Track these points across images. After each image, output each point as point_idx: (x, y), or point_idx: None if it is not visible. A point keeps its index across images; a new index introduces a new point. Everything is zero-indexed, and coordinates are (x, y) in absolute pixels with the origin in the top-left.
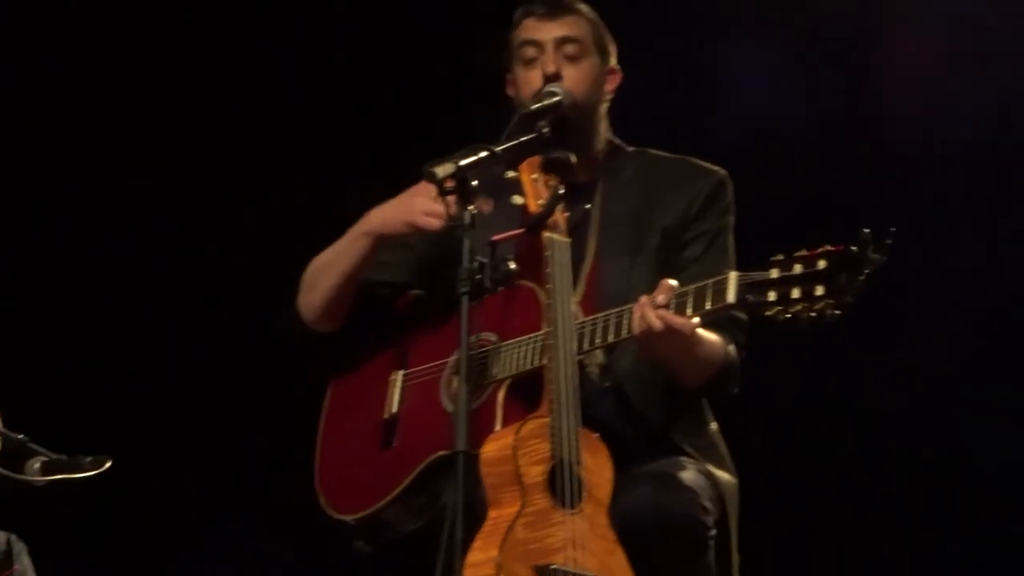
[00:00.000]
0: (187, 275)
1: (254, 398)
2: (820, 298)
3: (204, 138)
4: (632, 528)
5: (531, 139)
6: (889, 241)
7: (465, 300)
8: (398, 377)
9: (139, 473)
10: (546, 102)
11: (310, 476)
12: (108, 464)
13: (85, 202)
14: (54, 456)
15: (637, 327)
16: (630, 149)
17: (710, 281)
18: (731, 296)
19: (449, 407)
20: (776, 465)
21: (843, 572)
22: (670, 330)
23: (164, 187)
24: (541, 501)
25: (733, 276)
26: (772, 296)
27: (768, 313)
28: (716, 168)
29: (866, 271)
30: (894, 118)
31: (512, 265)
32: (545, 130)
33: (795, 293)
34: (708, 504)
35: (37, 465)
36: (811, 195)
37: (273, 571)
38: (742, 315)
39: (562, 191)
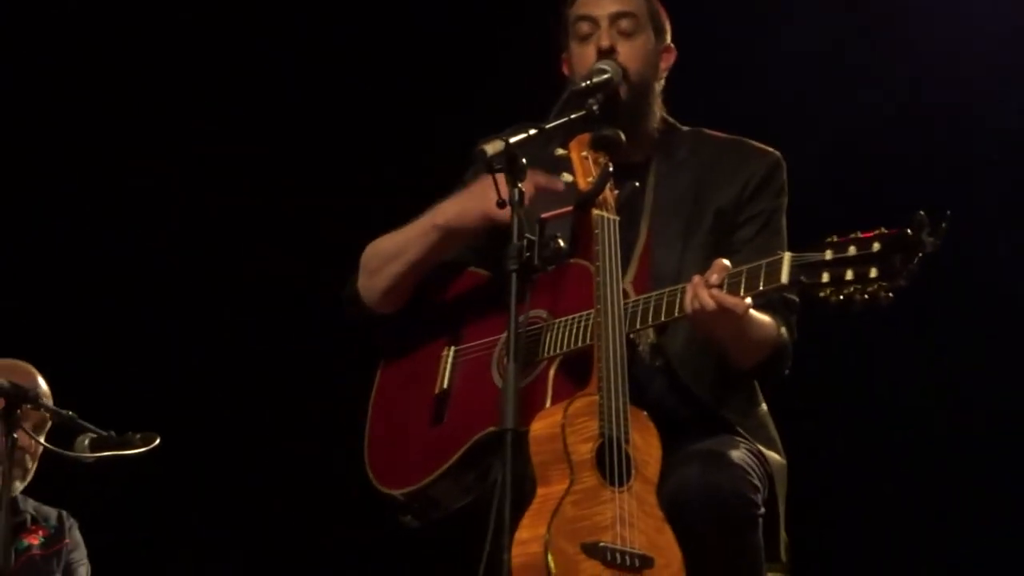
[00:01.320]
0: (187, 274)
1: (254, 397)
2: (873, 280)
3: (204, 138)
4: (681, 505)
5: (580, 116)
6: (945, 225)
7: (514, 277)
8: (450, 353)
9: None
10: (596, 79)
11: (359, 450)
12: (157, 441)
13: (85, 202)
14: (103, 433)
15: (689, 306)
16: (685, 129)
17: (763, 261)
18: (784, 277)
19: (500, 383)
20: (826, 447)
21: (888, 552)
22: (722, 310)
23: (164, 187)
24: (589, 479)
25: (787, 257)
26: (825, 277)
27: (821, 294)
28: (771, 150)
29: (920, 255)
30: (953, 103)
31: (561, 243)
32: (595, 107)
33: (848, 275)
34: (757, 483)
35: (87, 442)
36: (864, 177)
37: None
38: (794, 297)
39: (611, 169)
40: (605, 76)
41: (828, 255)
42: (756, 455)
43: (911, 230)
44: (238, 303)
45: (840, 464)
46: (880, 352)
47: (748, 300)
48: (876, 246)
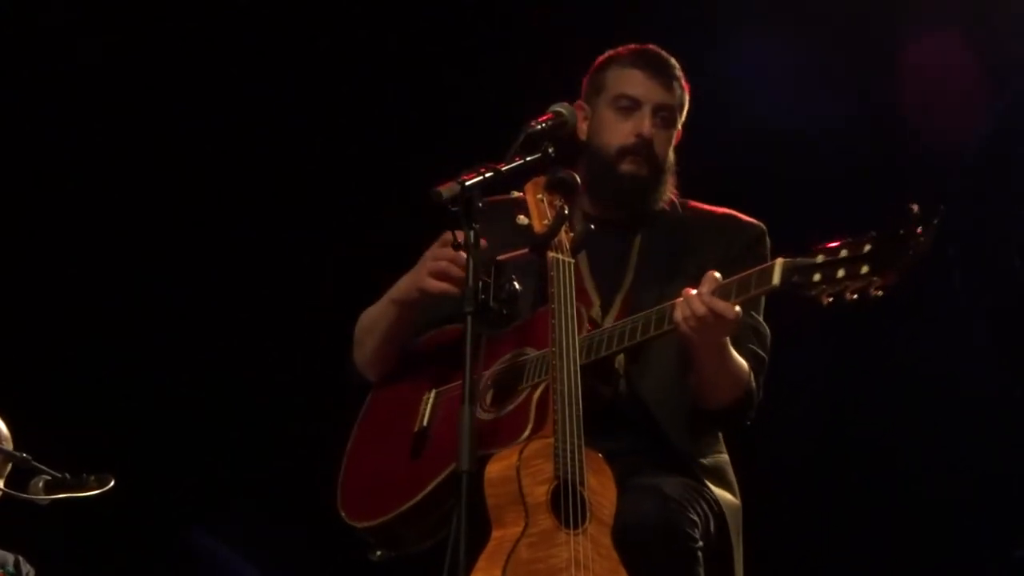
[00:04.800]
0: (142, 313)
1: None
2: (864, 276)
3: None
4: (622, 540)
5: (536, 159)
6: (936, 221)
7: (469, 320)
8: (431, 395)
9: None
10: (552, 122)
11: (334, 481)
12: (112, 483)
13: (82, 210)
14: (58, 475)
15: (680, 313)
16: (675, 199)
17: (754, 269)
18: (777, 279)
19: (481, 415)
20: (793, 491)
21: None
22: (713, 314)
23: (167, 194)
24: (545, 521)
25: (779, 262)
26: (817, 277)
27: (812, 292)
28: (755, 222)
29: (913, 251)
30: (917, 126)
31: (516, 285)
32: (550, 150)
33: (840, 273)
34: (694, 516)
35: (41, 484)
36: (829, 199)
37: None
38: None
39: (567, 211)
40: (560, 119)
41: (820, 259)
42: (698, 490)
43: (903, 227)
44: (249, 297)
45: (806, 512)
46: (846, 395)
47: (738, 308)
48: (867, 247)
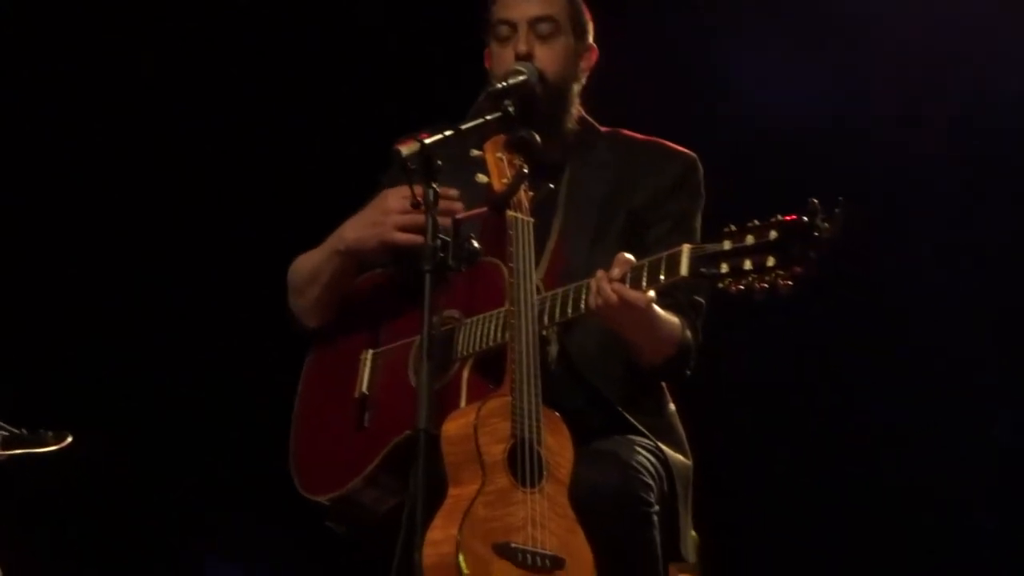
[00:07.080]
0: (190, 265)
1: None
2: (771, 269)
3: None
4: (579, 506)
5: (496, 118)
6: (839, 211)
7: (428, 278)
8: (368, 356)
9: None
10: (512, 81)
11: (285, 456)
12: (70, 439)
13: (82, 210)
14: (15, 430)
15: (593, 302)
16: (603, 129)
17: (664, 254)
18: (684, 269)
19: (414, 385)
20: (754, 448)
21: (804, 552)
22: (625, 303)
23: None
24: (501, 480)
25: (686, 249)
26: (724, 268)
27: (720, 285)
28: (686, 151)
29: (816, 242)
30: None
31: (476, 244)
32: (511, 109)
33: (747, 264)
34: (649, 480)
35: None
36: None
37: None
38: (701, 299)
39: (527, 170)
40: (521, 78)
41: (727, 245)
42: (652, 452)
43: (806, 217)
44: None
45: (758, 465)
46: (804, 352)
47: (651, 293)
48: (773, 234)
